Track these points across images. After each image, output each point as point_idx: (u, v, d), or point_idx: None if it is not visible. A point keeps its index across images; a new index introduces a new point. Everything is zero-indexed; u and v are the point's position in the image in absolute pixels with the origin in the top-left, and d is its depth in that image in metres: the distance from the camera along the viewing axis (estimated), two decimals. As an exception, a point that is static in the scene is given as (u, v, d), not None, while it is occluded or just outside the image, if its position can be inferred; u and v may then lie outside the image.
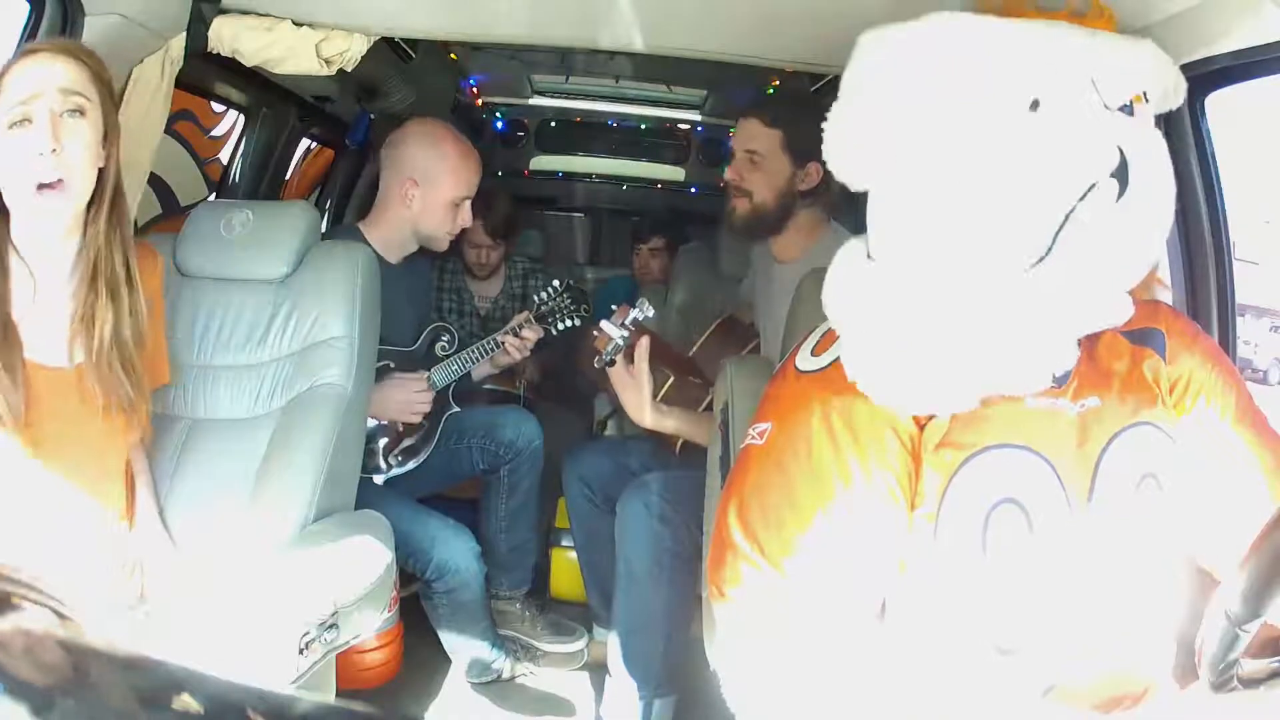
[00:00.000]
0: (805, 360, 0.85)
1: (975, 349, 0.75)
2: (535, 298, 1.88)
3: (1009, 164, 0.73)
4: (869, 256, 0.81)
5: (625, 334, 1.42)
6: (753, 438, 0.84)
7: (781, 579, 0.77)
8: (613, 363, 1.44)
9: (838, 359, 0.82)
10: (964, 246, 0.74)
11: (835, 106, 0.80)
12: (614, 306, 1.50)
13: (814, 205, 1.61)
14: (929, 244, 0.76)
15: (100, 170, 1.07)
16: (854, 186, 0.81)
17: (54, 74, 1.02)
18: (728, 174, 1.63)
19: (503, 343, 1.81)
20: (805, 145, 1.58)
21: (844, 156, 0.81)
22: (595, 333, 1.46)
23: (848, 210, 1.66)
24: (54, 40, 1.10)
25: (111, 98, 1.08)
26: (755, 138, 1.59)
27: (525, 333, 1.83)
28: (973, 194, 0.74)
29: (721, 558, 0.81)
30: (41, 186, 1.02)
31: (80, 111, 1.03)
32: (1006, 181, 0.73)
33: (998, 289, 0.74)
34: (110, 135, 1.08)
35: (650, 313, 1.47)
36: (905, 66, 0.76)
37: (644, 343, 1.44)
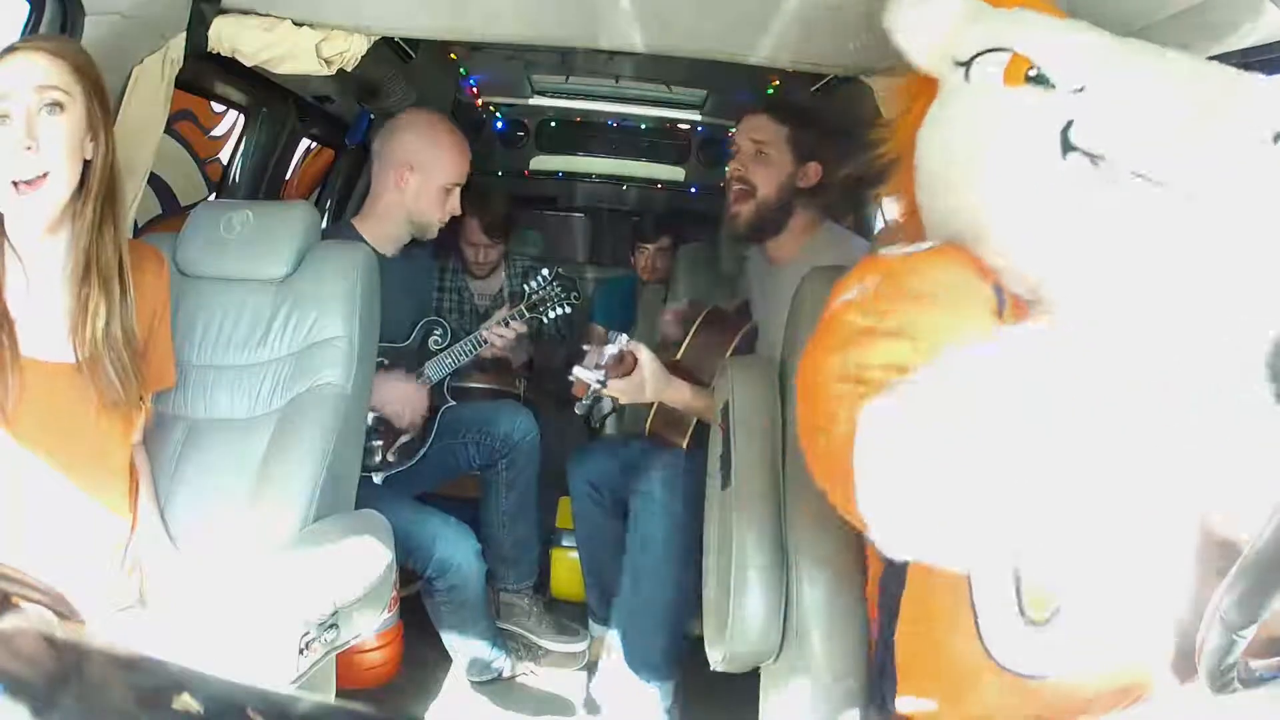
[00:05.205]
0: (890, 250, 0.84)
1: None
2: (526, 287, 1.89)
3: None
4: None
5: (601, 376, 1.39)
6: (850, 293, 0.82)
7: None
8: (592, 410, 1.43)
9: (931, 246, 0.82)
10: None
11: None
12: (585, 347, 1.47)
13: (810, 205, 1.62)
14: None
15: (87, 162, 1.07)
16: None
17: (31, 71, 1.01)
18: (731, 167, 1.63)
19: (484, 338, 1.82)
20: (809, 144, 1.59)
21: None
22: (571, 379, 1.44)
23: (844, 208, 1.67)
24: (33, 38, 1.09)
25: (99, 91, 1.07)
26: (762, 129, 1.60)
27: (504, 329, 1.83)
28: None
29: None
30: (19, 183, 1.02)
31: (59, 106, 1.03)
32: None
33: None
34: (98, 128, 1.07)
35: (624, 342, 1.43)
36: None
37: (642, 360, 1.43)
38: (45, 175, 1.03)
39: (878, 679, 0.94)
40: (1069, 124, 0.77)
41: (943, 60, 0.89)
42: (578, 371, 1.41)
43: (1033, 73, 0.80)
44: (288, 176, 2.27)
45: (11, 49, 1.03)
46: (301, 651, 1.04)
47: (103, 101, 1.08)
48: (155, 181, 1.98)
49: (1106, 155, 0.75)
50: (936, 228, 0.90)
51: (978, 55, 0.84)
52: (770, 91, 2.39)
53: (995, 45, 0.83)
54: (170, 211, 2.10)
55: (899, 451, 0.67)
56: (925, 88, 0.91)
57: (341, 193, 2.46)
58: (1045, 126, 0.78)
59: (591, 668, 1.91)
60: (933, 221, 0.91)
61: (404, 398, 1.73)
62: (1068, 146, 0.77)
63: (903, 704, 0.89)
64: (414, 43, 1.96)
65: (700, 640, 1.23)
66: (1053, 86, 0.79)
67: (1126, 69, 0.79)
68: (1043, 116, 0.79)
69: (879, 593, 0.94)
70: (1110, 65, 0.79)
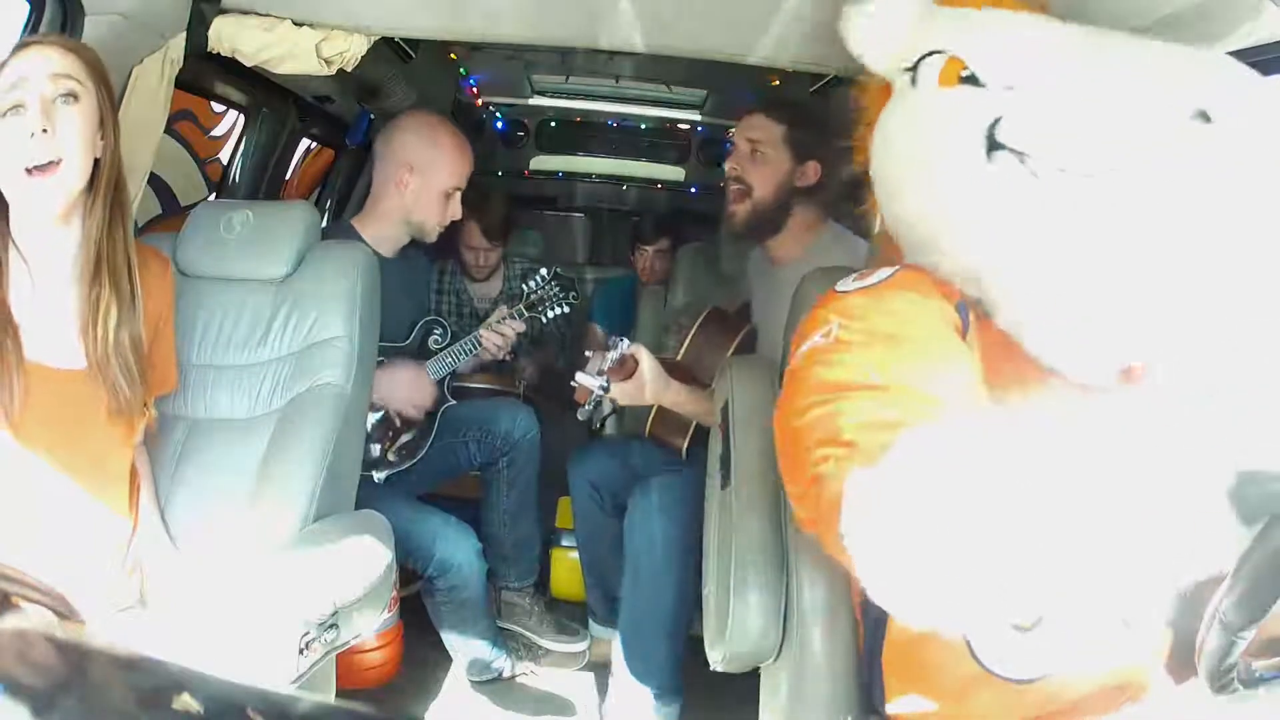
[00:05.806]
0: (847, 284, 0.84)
1: None
2: (524, 286, 1.90)
3: None
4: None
5: (604, 382, 1.39)
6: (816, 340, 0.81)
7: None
8: (594, 415, 1.42)
9: (889, 275, 0.81)
10: None
11: None
12: (587, 354, 1.47)
13: (810, 204, 1.62)
14: None
15: (96, 160, 1.07)
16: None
17: (45, 62, 1.02)
18: (727, 165, 1.64)
19: (482, 339, 1.82)
20: (806, 143, 1.59)
21: None
22: (574, 385, 1.44)
23: (845, 209, 1.66)
24: (44, 34, 1.10)
25: (108, 89, 1.08)
26: (758, 128, 1.61)
27: (501, 327, 1.83)
28: None
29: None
30: (32, 170, 1.02)
31: (73, 96, 1.03)
32: None
33: None
34: (107, 125, 1.08)
35: (625, 346, 1.43)
36: None
37: (642, 362, 1.42)
38: (59, 162, 1.02)
39: (867, 684, 0.94)
40: (996, 121, 0.77)
41: (894, 67, 0.88)
42: (580, 378, 1.40)
43: (965, 73, 0.80)
44: (288, 176, 2.27)
45: (24, 44, 1.04)
46: (301, 651, 1.04)
47: (111, 100, 1.09)
48: (155, 181, 1.98)
49: (1030, 152, 0.75)
50: (901, 237, 0.90)
51: (921, 59, 0.84)
52: (775, 84, 2.38)
53: (935, 48, 0.83)
54: (170, 211, 2.11)
55: (888, 527, 0.64)
56: (884, 95, 0.90)
57: (341, 193, 2.46)
58: (974, 126, 0.78)
59: (593, 668, 1.91)
60: (897, 232, 0.90)
61: (410, 390, 1.73)
62: (994, 144, 0.77)
63: (894, 707, 0.89)
64: (414, 43, 1.96)
65: (700, 640, 1.23)
66: (983, 86, 0.79)
67: (1059, 63, 0.79)
68: (973, 116, 0.78)
69: (864, 601, 0.94)
70: (1042, 60, 0.79)
